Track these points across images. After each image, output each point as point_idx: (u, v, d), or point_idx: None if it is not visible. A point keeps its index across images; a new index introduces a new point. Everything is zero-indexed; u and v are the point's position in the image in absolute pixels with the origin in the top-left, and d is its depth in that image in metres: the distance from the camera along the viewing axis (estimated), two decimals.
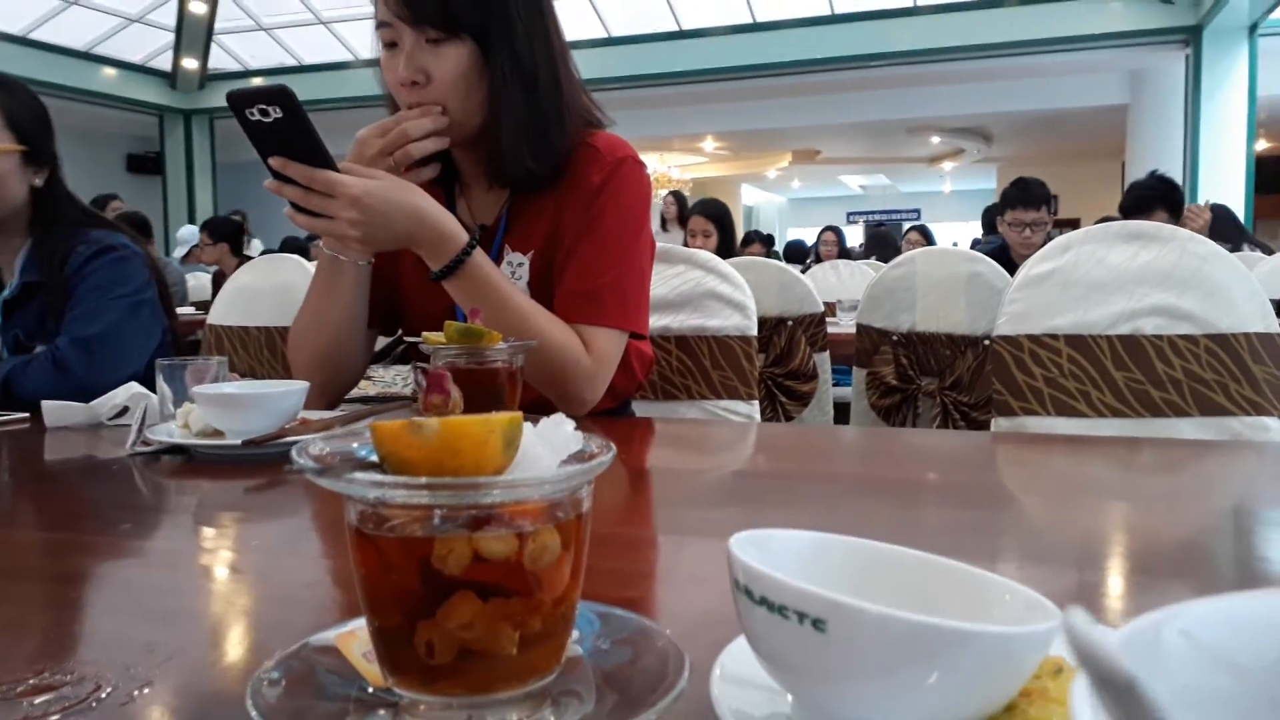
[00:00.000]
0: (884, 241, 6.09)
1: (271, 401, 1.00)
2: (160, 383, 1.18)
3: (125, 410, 1.26)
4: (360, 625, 0.44)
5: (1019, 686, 0.33)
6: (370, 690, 0.40)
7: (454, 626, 0.36)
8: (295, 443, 0.98)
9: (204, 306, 3.30)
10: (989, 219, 3.68)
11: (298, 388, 1.04)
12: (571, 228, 1.24)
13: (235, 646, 0.51)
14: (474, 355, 1.00)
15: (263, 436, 0.96)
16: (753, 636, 0.36)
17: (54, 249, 1.60)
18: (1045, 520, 0.82)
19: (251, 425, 0.98)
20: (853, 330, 2.81)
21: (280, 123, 1.04)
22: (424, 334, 1.03)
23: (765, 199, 20.11)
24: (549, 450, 0.39)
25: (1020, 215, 3.43)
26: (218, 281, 5.43)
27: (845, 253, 6.92)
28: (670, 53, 10.27)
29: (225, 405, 0.99)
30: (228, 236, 5.67)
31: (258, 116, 1.04)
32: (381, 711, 0.40)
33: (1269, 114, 9.15)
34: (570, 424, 0.41)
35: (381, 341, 1.51)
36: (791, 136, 13.73)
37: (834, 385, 2.82)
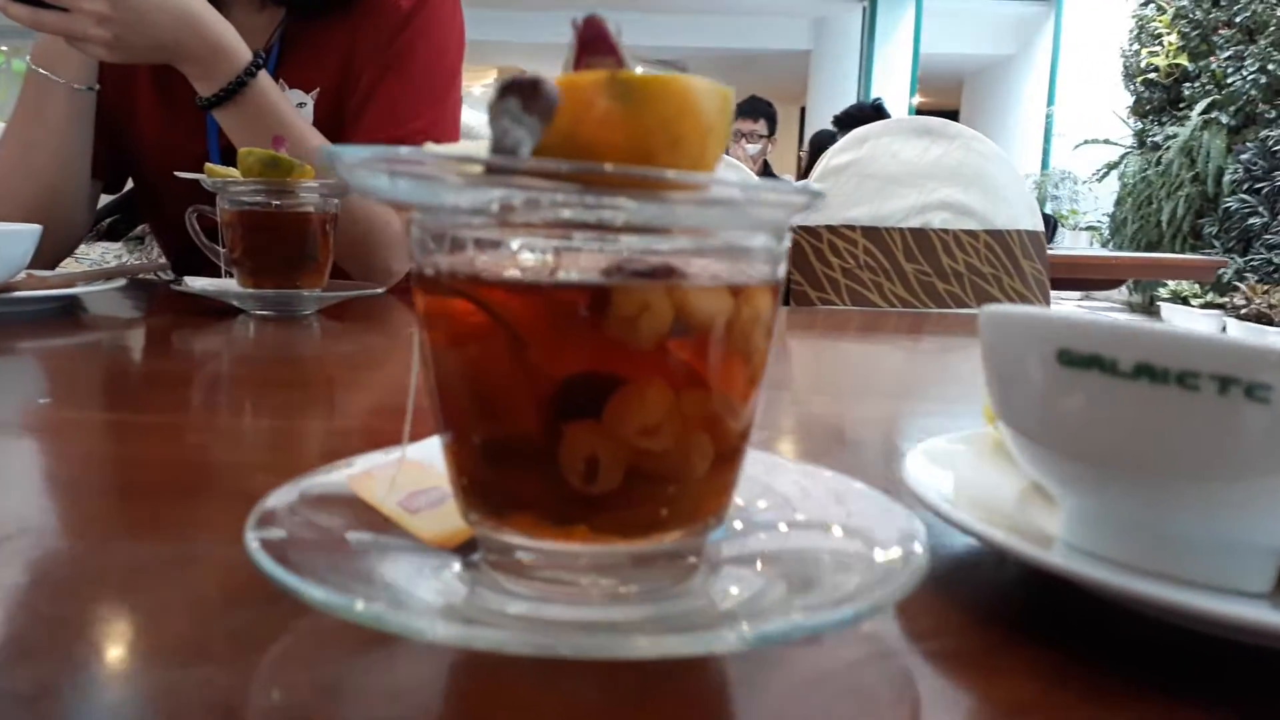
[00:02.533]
0: None
1: None
2: None
3: None
4: (376, 464, 0.29)
5: None
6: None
7: (635, 431, 0.23)
8: (30, 298, 0.73)
9: None
10: None
11: (29, 230, 0.77)
12: (373, 62, 1.04)
13: (75, 515, 0.34)
14: (280, 193, 0.80)
15: None
16: (1092, 433, 0.26)
17: None
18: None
19: None
20: None
21: None
22: (208, 165, 0.80)
23: (472, 118, 19.59)
24: (732, 172, 0.26)
25: (738, 125, 3.61)
26: None
27: None
28: None
29: None
30: None
31: None
32: (457, 566, 0.26)
33: (925, 71, 10.19)
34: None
35: (101, 201, 1.21)
36: (499, 51, 13.32)
37: None
